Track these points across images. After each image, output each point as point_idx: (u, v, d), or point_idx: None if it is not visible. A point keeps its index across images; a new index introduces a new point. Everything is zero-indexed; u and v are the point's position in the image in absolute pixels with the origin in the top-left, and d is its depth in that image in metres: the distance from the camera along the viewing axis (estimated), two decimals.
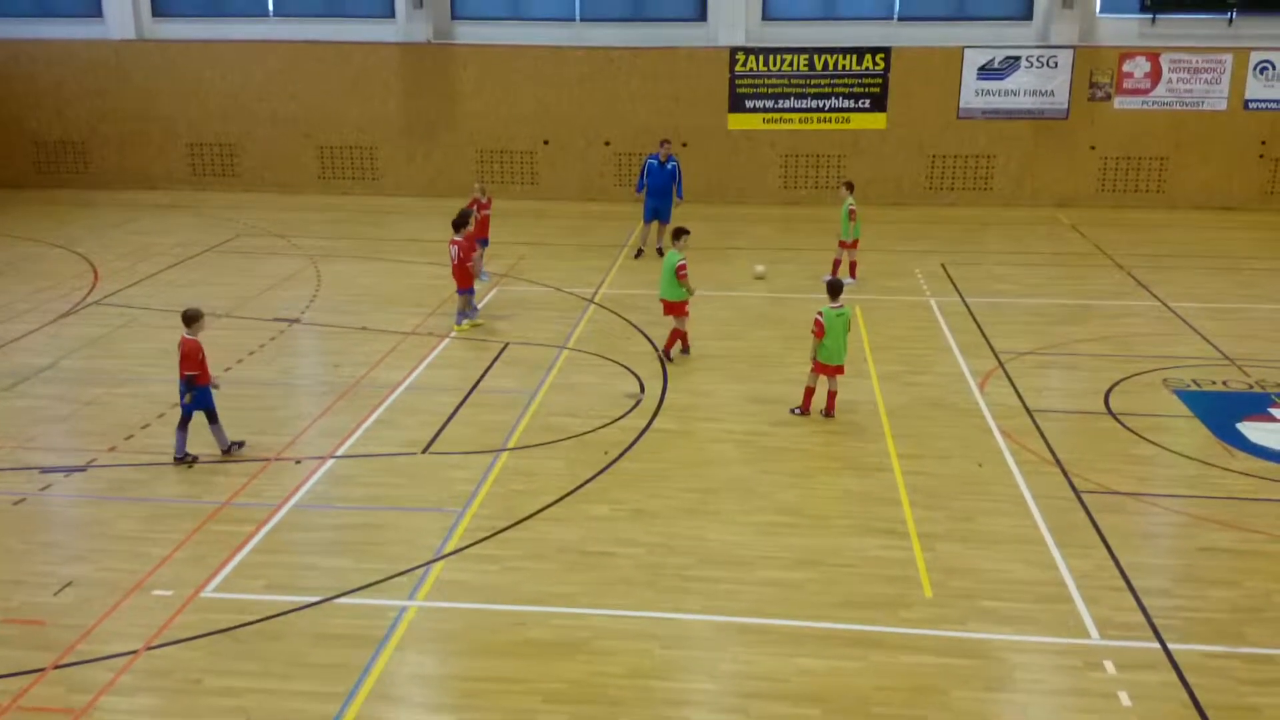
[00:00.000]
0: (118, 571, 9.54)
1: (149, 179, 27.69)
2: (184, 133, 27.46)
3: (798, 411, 13.11)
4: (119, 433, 12.54)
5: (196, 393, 11.57)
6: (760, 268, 18.68)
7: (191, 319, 11.63)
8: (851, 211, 18.73)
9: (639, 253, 21.30)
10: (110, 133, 27.58)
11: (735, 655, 8.45)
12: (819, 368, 12.91)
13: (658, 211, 21.10)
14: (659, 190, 21.01)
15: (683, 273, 14.61)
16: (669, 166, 21.04)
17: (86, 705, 7.78)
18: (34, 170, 27.96)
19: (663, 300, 15.02)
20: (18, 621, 8.82)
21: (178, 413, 12.67)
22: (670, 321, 15.14)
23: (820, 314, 12.65)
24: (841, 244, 19.04)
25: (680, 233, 15.27)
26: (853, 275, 18.97)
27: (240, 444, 12.00)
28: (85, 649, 8.44)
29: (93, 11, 27.31)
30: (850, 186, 19.29)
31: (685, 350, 15.21)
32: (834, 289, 12.86)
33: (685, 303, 14.92)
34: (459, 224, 16.42)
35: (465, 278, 16.22)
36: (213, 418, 11.78)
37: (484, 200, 19.35)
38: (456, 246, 16.23)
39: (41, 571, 9.59)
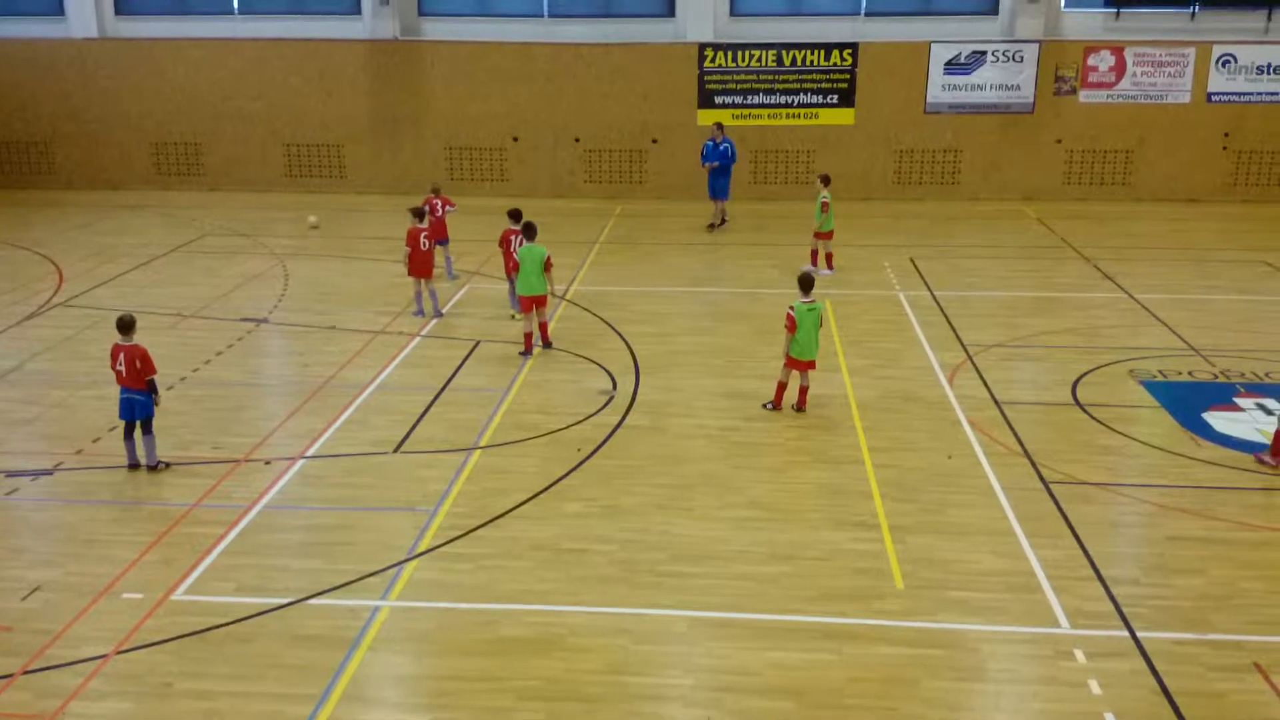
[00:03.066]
0: (86, 575, 9.45)
1: (114, 179, 27.42)
2: (149, 132, 27.20)
3: (770, 406, 13.16)
4: (86, 435, 12.41)
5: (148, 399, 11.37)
6: (313, 218, 18.49)
7: (130, 325, 11.35)
8: (824, 204, 19.07)
9: (717, 224, 23.36)
10: (74, 132, 27.28)
11: (709, 650, 8.47)
12: (791, 363, 12.95)
13: (713, 189, 23.23)
14: (715, 169, 22.97)
15: (550, 265, 14.90)
16: (721, 147, 22.82)
17: (56, 710, 7.71)
18: None
19: (534, 296, 14.90)
20: None
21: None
22: (516, 318, 15.63)
23: (792, 309, 12.70)
24: (816, 235, 19.39)
25: (533, 228, 15.28)
26: (829, 266, 19.40)
27: (149, 466, 11.58)
28: (54, 654, 8.36)
29: (55, 10, 27.00)
30: (825, 179, 19.63)
31: (547, 344, 15.37)
32: (806, 284, 12.91)
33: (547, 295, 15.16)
34: (418, 213, 16.84)
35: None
36: (129, 432, 11.50)
37: (437, 200, 19.28)
38: (425, 236, 16.53)
39: (9, 576, 9.48)
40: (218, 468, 11.58)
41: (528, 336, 15.20)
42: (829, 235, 19.38)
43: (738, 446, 12.21)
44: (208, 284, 18.82)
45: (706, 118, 26.09)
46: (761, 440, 12.40)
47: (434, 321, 16.59)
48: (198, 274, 19.58)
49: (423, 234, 16.57)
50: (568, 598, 9.16)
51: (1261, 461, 11.72)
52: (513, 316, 16.57)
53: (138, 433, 11.49)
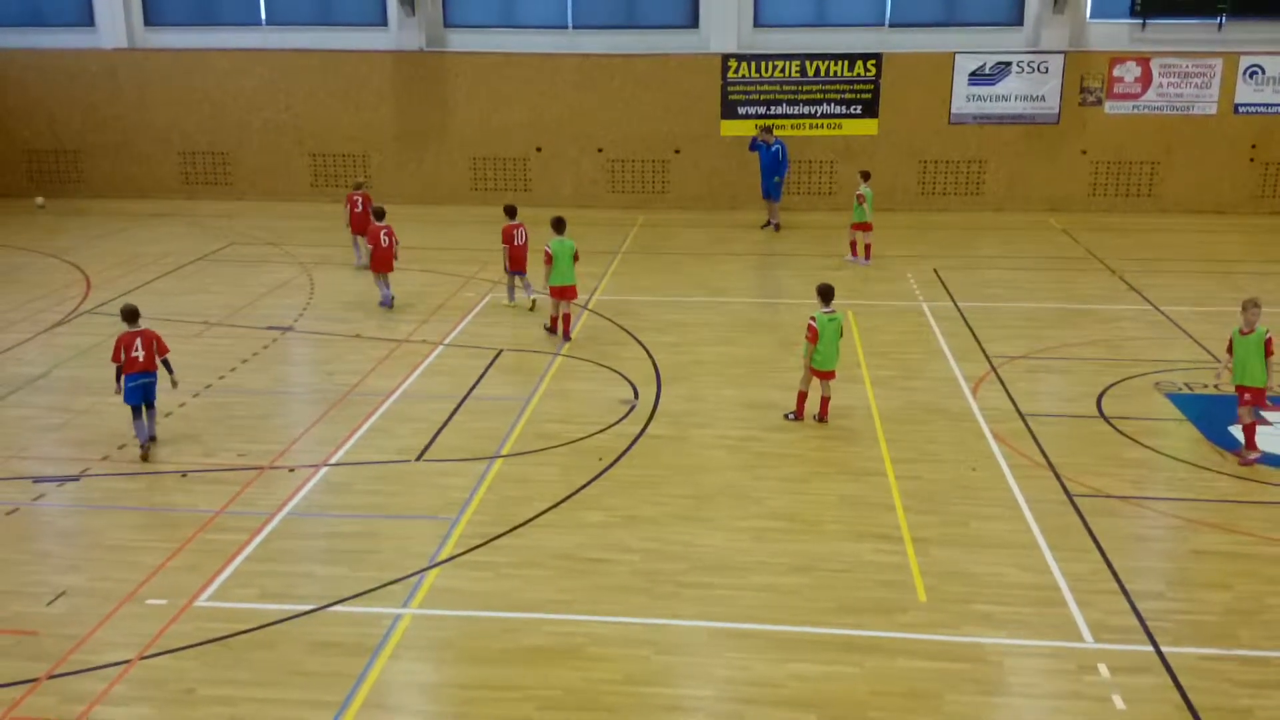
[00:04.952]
0: (111, 581, 9.52)
1: (141, 188, 27.67)
2: (176, 141, 27.46)
3: (792, 417, 13.13)
4: (112, 442, 12.51)
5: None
6: (39, 200, 18.21)
7: (137, 313, 12.21)
8: (859, 197, 20.51)
9: (776, 226, 24.15)
10: (102, 142, 27.56)
11: (730, 661, 8.45)
12: (813, 372, 12.94)
13: (765, 190, 24.06)
14: (766, 171, 23.84)
15: (578, 258, 16.20)
16: (773, 150, 23.55)
17: (80, 715, 7.76)
18: (26, 180, 27.91)
19: (567, 286, 16.07)
20: (11, 632, 8.79)
21: (171, 424, 12.82)
22: (547, 305, 16.75)
23: (813, 319, 12.69)
24: (853, 227, 20.95)
25: (562, 222, 16.58)
26: (866, 257, 20.83)
27: (150, 435, 12.26)
28: (79, 659, 8.42)
29: (85, 21, 27.30)
30: (865, 175, 21.07)
31: (568, 335, 16.26)
32: (826, 294, 12.91)
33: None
34: (378, 213, 18.26)
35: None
36: (138, 414, 12.15)
37: (357, 196, 20.76)
38: (386, 234, 17.84)
39: (35, 581, 9.56)
40: (242, 474, 11.65)
41: (554, 320, 16.28)
42: (866, 227, 20.67)
43: (759, 457, 12.19)
44: (234, 292, 18.96)
45: (730, 129, 26.15)
46: (783, 451, 12.38)
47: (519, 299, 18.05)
48: (224, 282, 19.73)
49: (383, 231, 17.71)
50: (588, 607, 9.16)
51: (1245, 461, 11.87)
52: (532, 305, 17.69)
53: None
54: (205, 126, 27.30)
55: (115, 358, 11.92)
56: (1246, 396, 11.98)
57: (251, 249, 22.38)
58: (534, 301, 17.69)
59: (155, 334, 12.20)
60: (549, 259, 15.99)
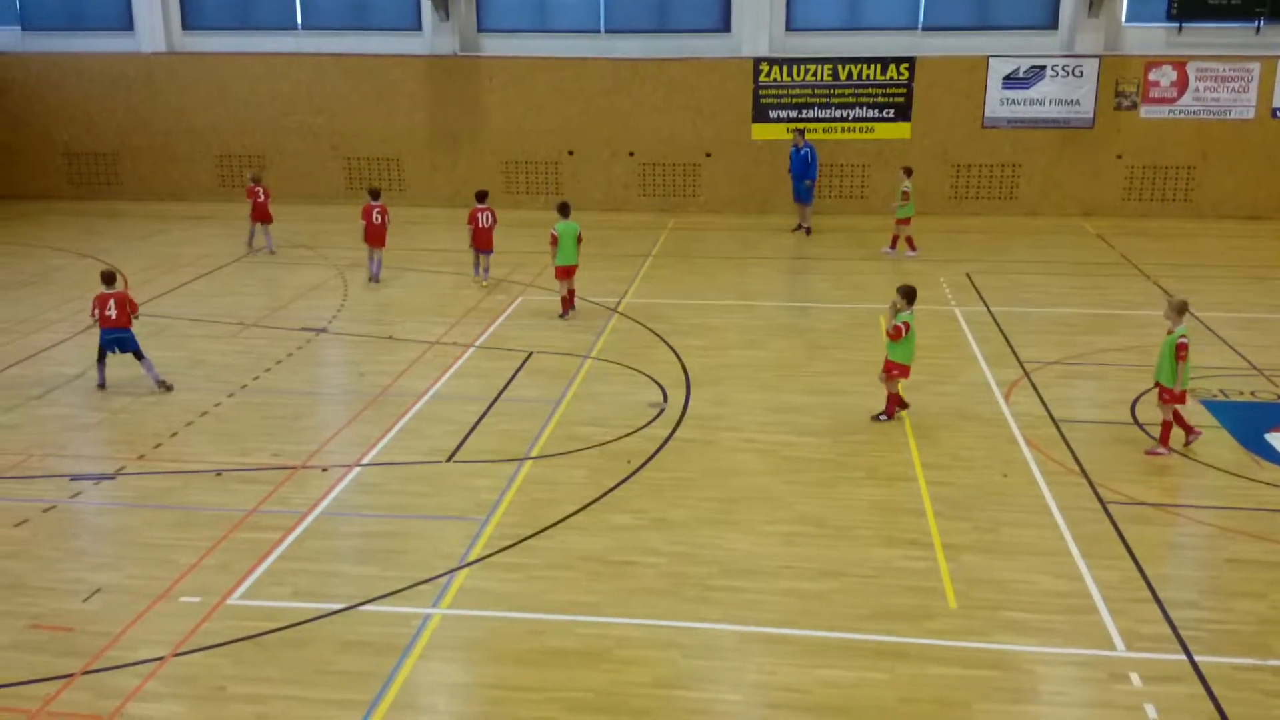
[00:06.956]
0: (145, 578, 9.62)
1: (178, 190, 28.00)
2: (213, 144, 27.77)
3: (900, 413, 13.23)
4: (148, 441, 12.66)
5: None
6: None
7: (115, 276, 14.27)
8: (904, 193, 21.35)
9: (807, 230, 24.27)
10: (140, 145, 27.91)
11: (759, 665, 8.43)
12: (902, 370, 13.03)
13: (796, 193, 24.32)
14: (796, 174, 24.14)
15: (581, 239, 17.37)
16: (802, 153, 23.87)
17: (114, 711, 7.85)
18: (65, 182, 28.32)
19: (570, 265, 17.22)
20: (47, 627, 8.91)
21: (206, 423, 12.96)
22: (553, 286, 17.99)
23: (907, 323, 12.86)
24: (897, 221, 21.84)
25: (567, 206, 17.61)
26: (911, 248, 21.87)
27: (158, 383, 13.96)
28: (113, 655, 8.52)
29: (123, 25, 27.67)
30: (908, 171, 22.01)
31: (571, 305, 17.53)
32: (912, 295, 13.06)
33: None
34: (373, 193, 20.00)
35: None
36: (104, 358, 14.15)
37: (257, 187, 22.03)
38: (378, 212, 19.61)
39: (70, 578, 9.68)
40: (276, 474, 11.76)
41: (563, 300, 17.43)
42: (908, 221, 21.70)
43: (788, 461, 12.17)
44: (269, 294, 19.14)
45: (761, 132, 26.13)
46: (812, 455, 12.34)
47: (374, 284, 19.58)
48: (259, 284, 19.92)
49: (375, 210, 19.44)
50: (616, 610, 9.17)
51: (1153, 454, 12.18)
52: (483, 284, 19.36)
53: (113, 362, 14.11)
54: (241, 130, 27.59)
55: (91, 314, 14.03)
56: (1165, 396, 12.15)
57: (286, 251, 22.56)
58: (487, 286, 19.30)
59: (128, 295, 14.12)
60: (554, 240, 17.08)
